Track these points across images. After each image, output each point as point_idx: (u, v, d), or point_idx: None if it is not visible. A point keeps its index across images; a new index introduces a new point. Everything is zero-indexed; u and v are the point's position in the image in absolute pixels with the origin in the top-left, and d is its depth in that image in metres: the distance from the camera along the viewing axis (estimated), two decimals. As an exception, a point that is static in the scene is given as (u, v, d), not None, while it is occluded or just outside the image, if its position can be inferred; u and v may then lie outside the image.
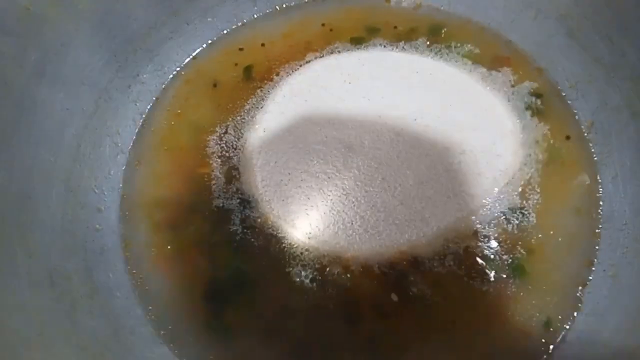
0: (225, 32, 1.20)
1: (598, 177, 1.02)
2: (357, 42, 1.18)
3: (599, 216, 0.98)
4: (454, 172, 0.97)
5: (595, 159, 1.03)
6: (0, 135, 0.84)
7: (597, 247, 0.96)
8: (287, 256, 0.93)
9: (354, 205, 0.94)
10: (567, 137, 1.06)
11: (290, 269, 0.92)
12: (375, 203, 0.94)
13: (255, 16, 1.22)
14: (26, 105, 0.88)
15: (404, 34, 1.19)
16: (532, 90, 1.11)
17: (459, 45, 1.17)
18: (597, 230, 0.97)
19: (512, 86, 1.11)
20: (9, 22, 0.86)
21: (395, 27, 1.20)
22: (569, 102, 1.09)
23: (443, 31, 1.21)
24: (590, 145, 1.04)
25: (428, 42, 1.18)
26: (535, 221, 0.97)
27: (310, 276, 0.91)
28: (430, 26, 1.21)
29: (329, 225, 0.94)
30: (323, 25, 1.20)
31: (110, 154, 1.02)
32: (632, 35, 1.00)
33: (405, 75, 1.10)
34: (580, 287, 0.93)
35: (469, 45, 1.17)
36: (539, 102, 1.09)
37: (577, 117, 1.07)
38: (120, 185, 1.01)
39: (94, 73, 1.01)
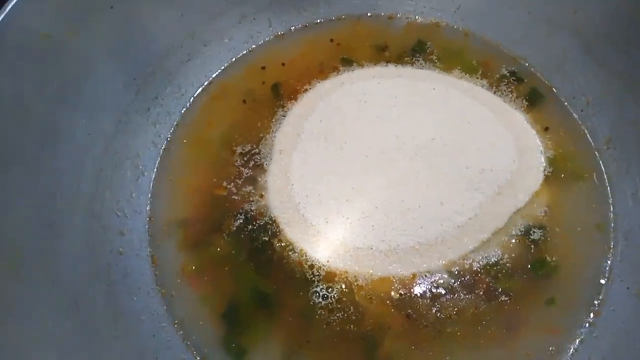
0: (242, 52, 1.20)
1: (618, 193, 1.01)
2: (370, 60, 1.19)
3: (620, 232, 0.98)
4: (474, 192, 0.97)
5: (615, 174, 1.03)
6: (23, 162, 0.85)
7: (618, 264, 0.96)
8: (306, 278, 0.93)
9: (373, 228, 0.95)
10: (586, 153, 1.05)
11: (309, 292, 0.92)
12: (396, 226, 0.94)
13: (270, 37, 1.22)
14: (48, 132, 0.89)
15: (414, 51, 1.20)
16: (548, 107, 1.11)
17: (471, 61, 1.18)
18: (618, 247, 0.97)
19: (528, 103, 1.11)
20: (30, 50, 0.87)
21: (401, 44, 1.21)
22: (586, 117, 1.09)
23: (454, 47, 1.21)
24: (609, 160, 1.04)
25: (439, 59, 1.18)
26: (556, 239, 0.97)
27: (329, 300, 0.91)
28: (441, 42, 1.22)
29: (348, 248, 0.94)
30: (338, 44, 1.21)
31: (132, 177, 1.03)
32: (648, 49, 1.01)
33: (421, 93, 1.11)
34: (599, 304, 0.93)
35: (481, 62, 1.17)
36: (556, 118, 1.09)
37: (595, 132, 1.07)
38: (142, 207, 1.02)
39: (113, 97, 1.02)
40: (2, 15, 0.81)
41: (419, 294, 0.91)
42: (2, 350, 0.69)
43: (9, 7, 0.82)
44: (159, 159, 1.08)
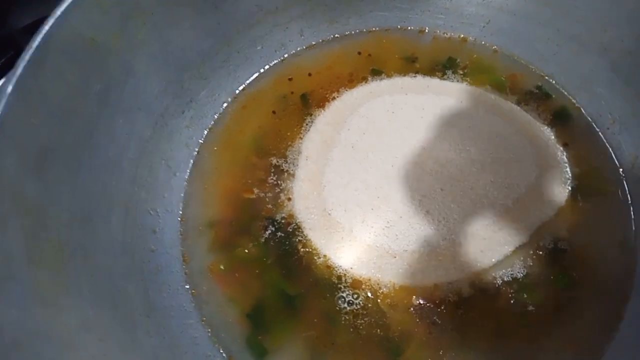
0: (274, 60, 1.24)
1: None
2: (399, 71, 1.21)
3: (644, 250, 0.99)
4: (499, 206, 0.99)
5: (639, 192, 1.04)
6: (65, 160, 0.88)
7: (641, 282, 0.97)
8: (330, 284, 0.95)
9: (397, 238, 0.97)
10: (611, 171, 1.07)
11: (333, 297, 0.94)
12: (419, 237, 0.96)
13: (301, 47, 1.25)
14: (90, 132, 0.93)
15: (443, 64, 1.22)
16: (574, 124, 1.12)
17: (500, 77, 1.19)
18: (640, 265, 0.98)
19: (554, 119, 1.13)
20: (76, 53, 0.91)
21: (431, 57, 1.24)
22: (612, 135, 1.10)
23: (483, 62, 1.23)
24: (634, 179, 1.05)
25: (467, 73, 1.20)
26: (578, 254, 0.98)
27: (353, 305, 0.93)
28: (470, 57, 1.24)
29: (372, 256, 0.96)
30: (368, 55, 1.24)
31: (165, 178, 1.06)
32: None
33: (449, 107, 1.13)
34: (621, 322, 0.93)
35: (509, 78, 1.19)
36: (581, 135, 1.10)
37: (620, 150, 1.08)
38: (174, 207, 1.05)
39: (151, 100, 1.06)
40: (52, 21, 0.84)
41: (441, 304, 0.93)
42: (50, 337, 0.72)
43: (58, 13, 0.85)
44: (191, 161, 1.11)
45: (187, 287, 0.98)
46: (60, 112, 0.87)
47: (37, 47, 0.81)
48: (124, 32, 0.99)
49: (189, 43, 1.12)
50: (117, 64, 0.99)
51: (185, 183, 1.09)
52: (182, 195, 1.07)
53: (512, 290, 0.95)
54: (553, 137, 1.10)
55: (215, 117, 1.16)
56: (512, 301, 0.94)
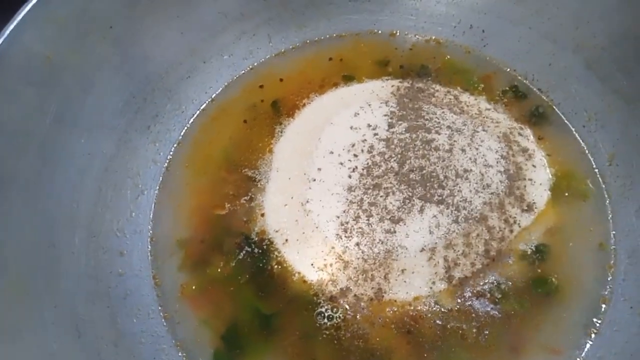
0: (242, 69, 1.20)
1: (620, 211, 1.01)
2: (371, 76, 1.19)
3: (622, 251, 0.97)
4: (478, 214, 0.96)
5: (617, 191, 1.02)
6: (22, 183, 0.84)
7: (621, 283, 0.95)
8: (305, 300, 0.92)
9: (374, 251, 0.94)
10: (588, 170, 1.05)
11: (311, 313, 0.91)
12: (398, 249, 0.93)
13: (270, 54, 1.22)
14: (48, 154, 0.89)
15: (416, 66, 1.20)
16: (549, 123, 1.11)
17: (473, 77, 1.18)
18: (621, 266, 0.96)
19: (530, 119, 1.11)
20: (30, 72, 0.87)
21: (403, 60, 1.22)
22: (588, 133, 1.08)
23: (455, 63, 1.21)
24: (612, 177, 1.04)
25: (441, 75, 1.18)
26: (558, 257, 0.96)
27: (332, 323, 0.90)
28: (442, 58, 1.22)
29: (351, 270, 0.93)
30: (340, 60, 1.22)
31: (131, 196, 1.02)
32: (650, 65, 1.00)
33: (420, 110, 1.10)
34: (602, 324, 0.92)
35: (482, 78, 1.17)
36: (557, 135, 1.09)
37: (597, 149, 1.06)
38: (142, 227, 1.01)
39: (113, 115, 1.02)
40: (2, 39, 0.80)
41: (422, 316, 0.90)
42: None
43: (8, 30, 0.81)
44: (160, 177, 1.07)
45: (159, 310, 0.95)
46: (15, 137, 0.83)
47: (-15, 68, 0.77)
48: (81, 48, 0.96)
49: (150, 55, 1.08)
50: (75, 81, 0.95)
51: (154, 201, 1.05)
52: (151, 214, 1.03)
53: (492, 298, 0.93)
54: (529, 138, 1.08)
55: (183, 130, 1.13)
56: (493, 308, 0.92)
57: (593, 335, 0.91)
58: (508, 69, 1.19)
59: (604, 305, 0.93)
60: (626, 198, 1.01)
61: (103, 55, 1.00)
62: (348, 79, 1.18)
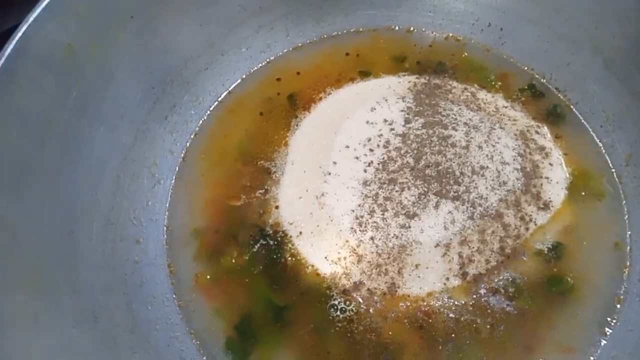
0: (259, 62, 1.21)
1: (636, 211, 1.00)
2: (388, 71, 1.19)
3: (638, 251, 0.97)
4: (494, 210, 0.96)
5: (633, 192, 1.02)
6: (43, 171, 0.85)
7: (636, 283, 0.95)
8: (319, 292, 0.93)
9: (388, 245, 0.94)
10: (605, 170, 1.05)
11: (324, 305, 0.91)
12: (412, 244, 0.94)
13: (287, 48, 1.23)
14: (69, 143, 0.90)
15: (433, 63, 1.20)
16: (567, 123, 1.10)
17: (490, 75, 1.17)
18: (636, 266, 0.96)
19: (547, 118, 1.11)
20: (52, 61, 0.88)
21: (420, 56, 1.22)
22: (606, 134, 1.08)
23: (473, 61, 1.21)
24: (629, 178, 1.03)
25: (458, 72, 1.18)
26: (574, 256, 0.96)
27: (345, 316, 0.90)
28: (460, 55, 1.22)
29: (365, 264, 0.93)
30: (357, 55, 1.22)
31: (148, 186, 1.03)
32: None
33: (437, 106, 1.10)
34: (617, 323, 0.92)
35: (500, 76, 1.17)
36: (575, 134, 1.08)
37: (614, 149, 1.06)
38: (159, 216, 1.02)
39: (132, 106, 1.03)
40: (25, 27, 0.81)
41: (435, 312, 0.91)
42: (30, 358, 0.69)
43: (31, 19, 0.82)
44: (176, 167, 1.08)
45: (174, 298, 0.96)
46: (38, 126, 0.84)
47: (9, 56, 0.78)
48: (103, 39, 0.97)
49: (170, 47, 1.09)
50: (96, 72, 0.96)
51: (170, 191, 1.06)
52: (167, 203, 1.04)
53: (507, 295, 0.92)
54: (546, 137, 1.08)
55: (200, 122, 1.14)
56: (506, 306, 0.92)
57: (607, 335, 0.91)
58: (526, 68, 1.19)
59: (618, 305, 0.93)
60: (642, 198, 1.00)
61: (124, 46, 1.00)
62: (365, 74, 1.18)
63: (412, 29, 1.26)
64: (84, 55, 0.93)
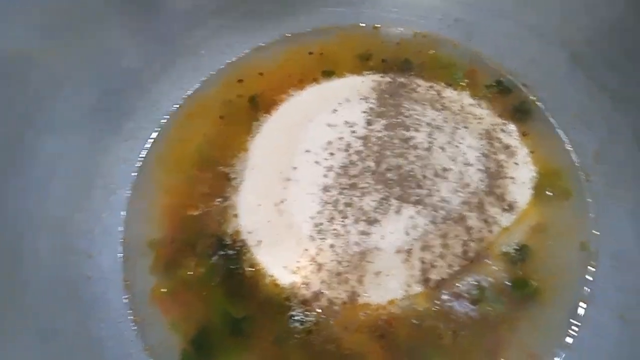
0: (220, 63, 1.17)
1: (604, 210, 0.98)
2: (352, 70, 1.16)
3: (604, 251, 0.95)
4: (456, 214, 0.94)
5: (601, 190, 1.00)
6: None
7: (601, 285, 0.92)
8: (279, 304, 0.90)
9: (350, 250, 0.91)
10: (572, 168, 1.03)
11: (283, 318, 0.88)
12: (373, 251, 0.91)
13: (248, 49, 1.19)
14: (15, 153, 0.87)
15: (399, 61, 1.17)
16: (534, 120, 1.08)
17: (457, 72, 1.15)
18: (602, 267, 0.93)
19: (514, 115, 1.08)
20: (-1, 68, 0.85)
21: (386, 54, 1.19)
22: (573, 131, 1.05)
23: (440, 57, 1.18)
24: (597, 176, 1.01)
25: (424, 69, 1.15)
26: (539, 258, 0.94)
27: (304, 327, 0.88)
28: (426, 52, 1.19)
29: (325, 272, 0.90)
30: (320, 54, 1.19)
31: (102, 197, 1.00)
32: (636, 61, 0.98)
33: (402, 106, 1.07)
34: (582, 327, 0.89)
35: (467, 73, 1.15)
36: (542, 132, 1.06)
37: (582, 146, 1.04)
38: (113, 228, 0.99)
39: (84, 114, 1.00)
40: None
41: (397, 320, 0.88)
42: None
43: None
44: (131, 177, 1.04)
45: (129, 313, 0.92)
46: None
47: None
48: (51, 44, 0.93)
49: (124, 52, 1.06)
50: (44, 79, 0.93)
51: (126, 201, 1.02)
52: (122, 214, 1.01)
53: (470, 300, 0.90)
54: (513, 135, 1.05)
55: (158, 128, 1.10)
56: (470, 311, 0.89)
57: (572, 339, 0.88)
58: (493, 64, 1.16)
59: (584, 308, 0.91)
60: (610, 197, 0.98)
61: (72, 52, 0.97)
62: (328, 74, 1.15)
63: (378, 25, 1.23)
64: (31, 62, 0.90)
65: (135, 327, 0.91)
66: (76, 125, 0.98)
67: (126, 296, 0.94)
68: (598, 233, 0.96)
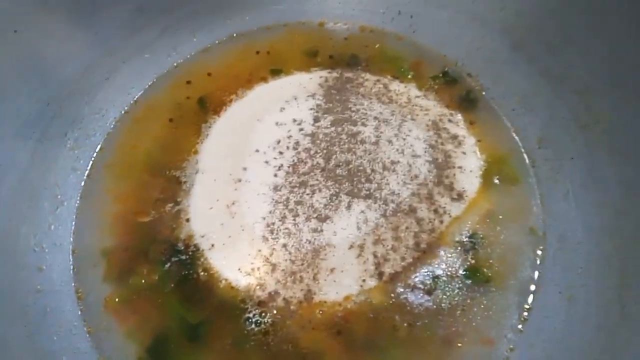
0: (166, 66, 1.16)
1: (549, 194, 1.00)
2: (300, 67, 1.16)
3: (552, 235, 0.97)
4: (407, 206, 0.95)
5: (546, 175, 1.02)
6: None
7: (550, 268, 0.95)
8: (235, 307, 0.89)
9: (301, 252, 0.92)
10: (517, 154, 1.05)
11: (239, 321, 0.88)
12: (325, 248, 0.92)
13: (195, 50, 1.18)
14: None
15: (345, 56, 1.17)
16: (479, 107, 1.09)
17: (402, 64, 1.15)
18: (550, 250, 0.96)
19: (460, 104, 1.10)
20: None
21: (332, 50, 1.19)
22: (517, 117, 1.07)
23: (385, 50, 1.19)
24: (541, 161, 1.03)
25: (370, 63, 1.16)
26: (489, 245, 0.95)
27: (261, 329, 0.88)
28: (371, 46, 1.20)
29: (279, 272, 0.91)
30: (267, 53, 1.18)
31: (50, 208, 0.98)
32: (577, 45, 0.99)
33: (348, 101, 1.08)
34: (532, 311, 0.91)
35: (412, 64, 1.15)
36: (487, 119, 1.08)
37: (526, 132, 1.06)
38: (63, 239, 0.97)
39: (26, 124, 0.97)
40: None
41: (353, 316, 0.89)
42: None
43: None
44: (80, 186, 1.02)
45: (82, 325, 0.91)
46: None
47: None
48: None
49: (64, 58, 1.03)
50: (-19, 90, 0.90)
51: (75, 211, 1.00)
52: (72, 225, 0.99)
53: (424, 291, 0.91)
54: (459, 124, 1.07)
55: (105, 135, 1.08)
56: (425, 302, 0.91)
57: (524, 323, 0.91)
58: (438, 55, 1.17)
59: (534, 292, 0.93)
60: (555, 181, 1.00)
61: (10, 61, 0.94)
62: (276, 72, 1.15)
63: (323, 21, 1.22)
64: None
65: (90, 338, 0.90)
66: (19, 136, 0.95)
67: (79, 307, 0.92)
68: (545, 216, 0.98)
